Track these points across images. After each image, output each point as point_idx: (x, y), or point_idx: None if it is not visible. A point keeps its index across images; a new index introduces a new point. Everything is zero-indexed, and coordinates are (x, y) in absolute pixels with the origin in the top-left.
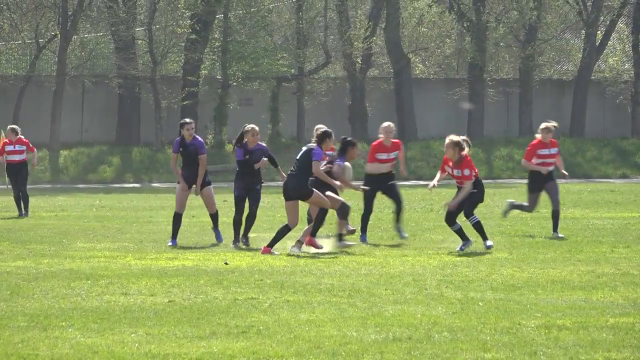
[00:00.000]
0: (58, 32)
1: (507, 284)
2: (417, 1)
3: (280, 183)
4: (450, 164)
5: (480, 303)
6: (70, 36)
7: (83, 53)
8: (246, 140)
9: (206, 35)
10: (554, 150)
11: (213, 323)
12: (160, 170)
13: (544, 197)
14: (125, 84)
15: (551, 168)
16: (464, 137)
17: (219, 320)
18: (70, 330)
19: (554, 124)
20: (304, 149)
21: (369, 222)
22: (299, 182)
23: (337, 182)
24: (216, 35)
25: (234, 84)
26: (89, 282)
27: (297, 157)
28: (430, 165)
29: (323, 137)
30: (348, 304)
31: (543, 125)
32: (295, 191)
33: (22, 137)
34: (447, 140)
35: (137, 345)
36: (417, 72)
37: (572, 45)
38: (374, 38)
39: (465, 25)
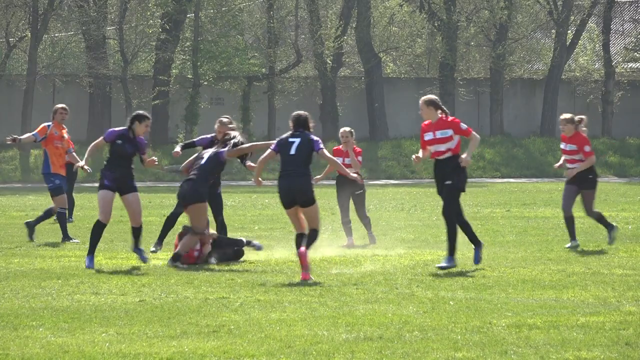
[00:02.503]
0: (28, 32)
1: (477, 283)
2: (388, 1)
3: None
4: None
5: (451, 302)
6: (40, 35)
7: (54, 52)
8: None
9: (177, 34)
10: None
11: (184, 322)
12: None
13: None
14: (96, 83)
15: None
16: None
17: (189, 320)
18: (40, 329)
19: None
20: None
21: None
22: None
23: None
24: (187, 35)
25: (205, 83)
26: (60, 281)
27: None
28: (401, 164)
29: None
30: (319, 303)
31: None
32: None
33: None
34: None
35: (107, 344)
36: (388, 71)
37: (543, 44)
38: (345, 37)
39: (436, 24)
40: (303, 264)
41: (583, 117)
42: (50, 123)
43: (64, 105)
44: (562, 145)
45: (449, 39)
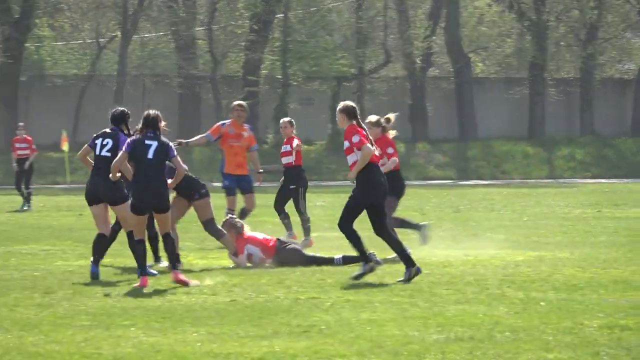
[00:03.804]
0: (119, 32)
1: (569, 284)
2: (477, 0)
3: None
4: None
5: (542, 303)
6: (130, 36)
7: (143, 53)
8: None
9: (266, 35)
10: None
11: (275, 322)
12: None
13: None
14: (185, 84)
15: None
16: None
17: (280, 320)
18: (132, 329)
19: None
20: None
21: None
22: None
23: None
24: (276, 35)
25: (294, 83)
26: (151, 281)
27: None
28: (491, 165)
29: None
30: (410, 303)
31: None
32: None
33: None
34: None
35: (199, 344)
36: (477, 71)
37: (634, 44)
38: (434, 37)
39: (525, 24)
40: (180, 281)
41: (390, 116)
42: (225, 121)
43: (240, 102)
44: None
45: (539, 38)
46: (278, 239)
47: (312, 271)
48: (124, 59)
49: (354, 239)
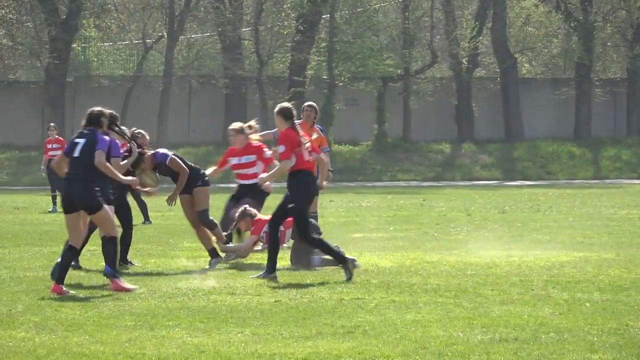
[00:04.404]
0: (165, 33)
1: (614, 285)
2: (524, 1)
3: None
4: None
5: (587, 304)
6: (177, 36)
7: (190, 53)
8: None
9: (312, 35)
10: None
11: (319, 323)
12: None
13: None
14: (231, 84)
15: None
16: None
17: (325, 320)
18: (177, 329)
19: None
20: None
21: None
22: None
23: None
24: (322, 36)
25: (340, 84)
26: (196, 281)
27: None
28: (537, 165)
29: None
30: (454, 304)
31: None
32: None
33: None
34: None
35: (243, 345)
36: (524, 71)
37: None
38: (481, 38)
39: (572, 24)
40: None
41: (251, 123)
42: (295, 121)
43: (310, 103)
44: (234, 161)
45: (586, 39)
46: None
47: (356, 272)
48: (170, 60)
49: (321, 245)
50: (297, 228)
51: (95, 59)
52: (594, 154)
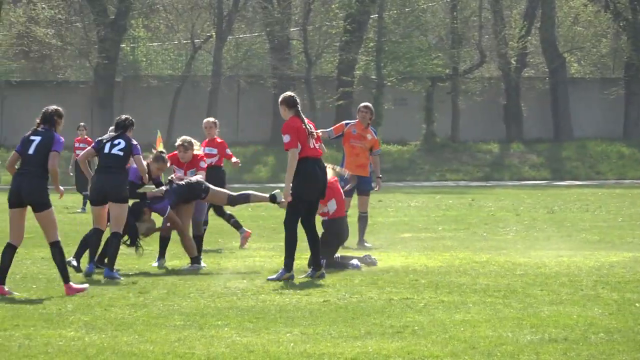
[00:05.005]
0: (213, 33)
1: None
2: (573, 0)
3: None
4: None
5: (637, 304)
6: (225, 36)
7: (238, 53)
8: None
9: (360, 35)
10: None
11: (368, 323)
12: None
13: None
14: (280, 84)
15: None
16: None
17: (373, 320)
18: (226, 329)
19: None
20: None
21: None
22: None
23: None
24: (370, 35)
25: (389, 83)
26: (245, 281)
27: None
28: (586, 165)
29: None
30: (503, 304)
31: None
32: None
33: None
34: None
35: (292, 344)
36: (573, 71)
37: None
38: (529, 37)
39: (621, 24)
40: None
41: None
42: (349, 121)
43: (367, 104)
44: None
45: (635, 38)
46: None
47: (405, 272)
48: (219, 60)
49: (290, 240)
50: (286, 214)
51: (144, 59)
52: None
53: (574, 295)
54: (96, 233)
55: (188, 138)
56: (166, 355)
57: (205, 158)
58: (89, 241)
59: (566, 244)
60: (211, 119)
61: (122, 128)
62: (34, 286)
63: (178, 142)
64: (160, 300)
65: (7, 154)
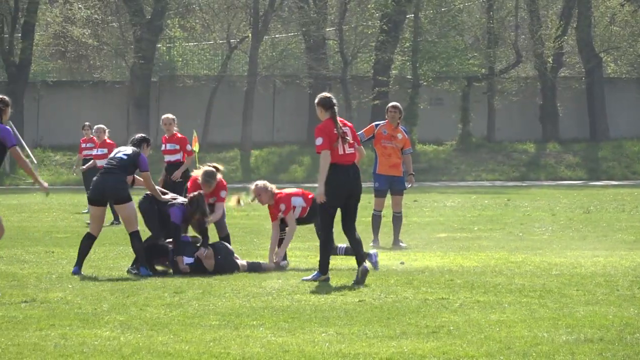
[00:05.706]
0: (249, 33)
1: None
2: (609, 0)
3: None
4: None
5: None
6: (261, 36)
7: (274, 53)
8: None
9: (396, 35)
10: None
11: (403, 323)
12: None
13: None
14: (315, 84)
15: None
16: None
17: (409, 320)
18: (261, 329)
19: None
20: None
21: None
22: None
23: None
24: (406, 35)
25: (425, 83)
26: (280, 281)
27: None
28: (622, 165)
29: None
30: (539, 304)
31: None
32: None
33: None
34: None
35: (327, 344)
36: (609, 71)
37: None
38: (565, 37)
39: None
40: None
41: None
42: (379, 122)
43: (395, 104)
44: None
45: None
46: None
47: (441, 272)
48: (255, 60)
49: (325, 243)
50: (319, 221)
51: (180, 59)
52: None
53: (610, 296)
54: (89, 238)
55: (171, 115)
56: (201, 355)
57: (226, 185)
58: (80, 245)
59: (602, 244)
60: (170, 115)
61: (136, 144)
62: (70, 286)
63: (200, 177)
64: (196, 300)
65: (43, 154)
